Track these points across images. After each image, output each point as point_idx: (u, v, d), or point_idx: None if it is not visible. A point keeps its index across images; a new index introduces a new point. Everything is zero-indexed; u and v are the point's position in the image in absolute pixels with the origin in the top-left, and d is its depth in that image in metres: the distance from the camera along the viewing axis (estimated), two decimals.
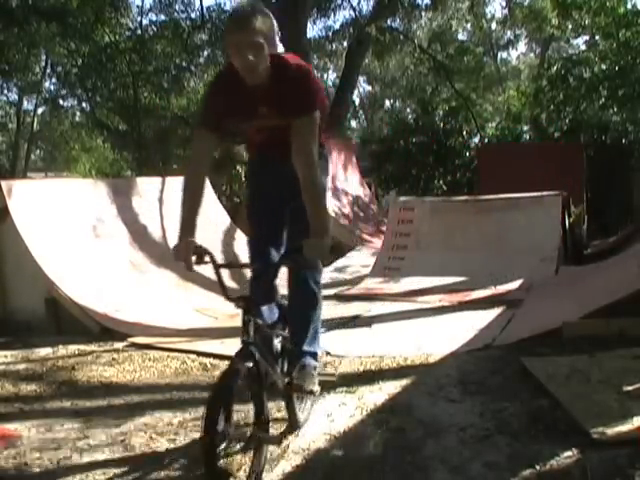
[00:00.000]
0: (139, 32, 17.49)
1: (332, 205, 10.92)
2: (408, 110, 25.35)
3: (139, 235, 6.72)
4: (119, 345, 4.99)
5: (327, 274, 7.86)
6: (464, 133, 15.59)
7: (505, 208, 7.57)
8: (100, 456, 2.91)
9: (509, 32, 25.23)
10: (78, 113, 22.00)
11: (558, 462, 2.59)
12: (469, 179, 14.34)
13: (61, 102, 20.91)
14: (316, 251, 2.47)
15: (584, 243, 8.99)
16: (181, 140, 17.00)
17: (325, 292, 6.40)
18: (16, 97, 22.19)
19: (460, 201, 8.50)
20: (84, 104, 20.15)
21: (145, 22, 18.05)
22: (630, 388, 3.22)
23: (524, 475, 2.53)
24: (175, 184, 6.74)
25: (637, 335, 4.05)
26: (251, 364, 2.39)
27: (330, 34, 19.78)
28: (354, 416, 3.24)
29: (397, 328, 5.23)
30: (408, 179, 15.13)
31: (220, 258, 6.27)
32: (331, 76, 29.98)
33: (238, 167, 14.16)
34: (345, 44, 19.86)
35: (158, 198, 7.18)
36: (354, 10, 18.38)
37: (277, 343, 2.91)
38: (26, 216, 5.67)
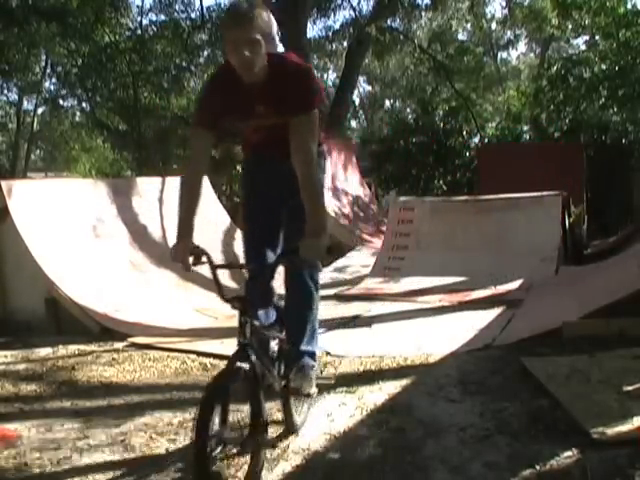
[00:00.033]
0: (139, 32, 17.50)
1: (332, 205, 10.92)
2: (408, 110, 25.37)
3: (139, 235, 6.72)
4: (119, 345, 4.99)
5: (327, 274, 7.86)
6: (464, 133, 15.60)
7: (505, 208, 7.58)
8: (100, 456, 2.91)
9: (509, 32, 25.23)
10: (78, 113, 22.03)
11: (558, 462, 2.59)
12: (469, 179, 14.35)
13: (61, 102, 20.96)
14: (312, 252, 2.45)
15: (584, 243, 8.99)
16: (181, 140, 16.99)
17: (325, 292, 6.44)
18: (16, 97, 22.24)
19: (460, 201, 8.50)
20: (84, 104, 20.19)
21: (145, 22, 18.12)
22: (630, 388, 3.23)
23: (524, 475, 2.53)
24: (175, 184, 6.75)
25: (637, 335, 4.06)
26: (247, 366, 2.37)
27: (330, 34, 19.80)
28: (354, 416, 3.24)
29: (397, 328, 5.23)
30: (408, 179, 15.13)
31: (220, 258, 6.32)
32: (331, 76, 30.02)
33: (238, 167, 14.14)
34: (345, 44, 19.87)
35: (158, 198, 7.18)
36: (354, 10, 18.41)
37: (274, 345, 2.89)
38: (26, 216, 5.67)
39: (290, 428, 2.97)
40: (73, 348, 4.95)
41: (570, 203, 8.04)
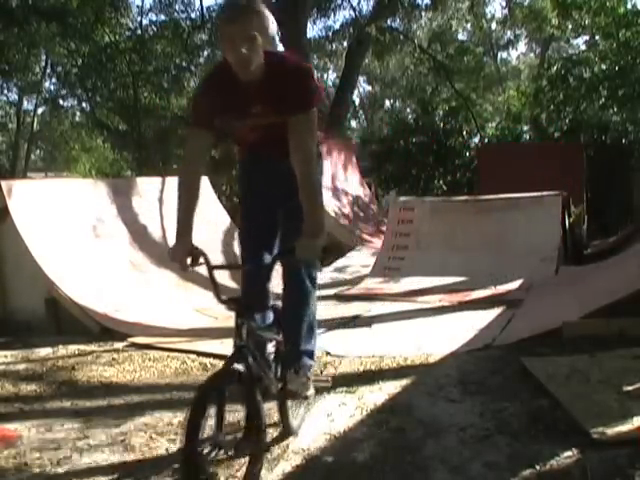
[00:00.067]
0: (139, 32, 17.50)
1: (332, 205, 10.92)
2: (408, 110, 25.37)
3: (139, 235, 6.72)
4: (119, 345, 5.00)
5: (327, 274, 7.86)
6: (464, 133, 15.60)
7: (505, 208, 7.58)
8: (100, 456, 2.91)
9: (509, 32, 25.23)
10: (78, 113, 22.03)
11: (558, 462, 2.59)
12: (469, 179, 14.35)
13: (61, 102, 20.96)
14: (309, 252, 2.44)
15: (584, 243, 8.99)
16: (181, 140, 16.96)
17: (325, 292, 6.48)
18: (16, 97, 22.24)
19: (460, 201, 8.50)
20: (84, 104, 20.19)
21: (145, 22, 18.13)
22: (630, 388, 3.23)
23: (524, 475, 2.53)
24: (175, 184, 6.72)
25: (637, 335, 4.06)
26: (244, 368, 2.36)
27: (330, 34, 19.80)
28: (354, 416, 3.24)
29: (397, 328, 5.23)
30: (408, 179, 15.13)
31: (220, 258, 6.33)
32: (331, 76, 30.03)
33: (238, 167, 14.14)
34: (345, 44, 19.87)
35: (158, 198, 7.18)
36: (354, 10, 18.42)
37: (271, 347, 2.87)
38: (26, 216, 5.67)
39: (287, 431, 2.95)
40: (73, 348, 4.95)
41: (570, 203, 8.04)
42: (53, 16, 14.80)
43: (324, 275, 7.69)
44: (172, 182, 7.14)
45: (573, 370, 3.56)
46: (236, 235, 7.60)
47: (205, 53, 18.68)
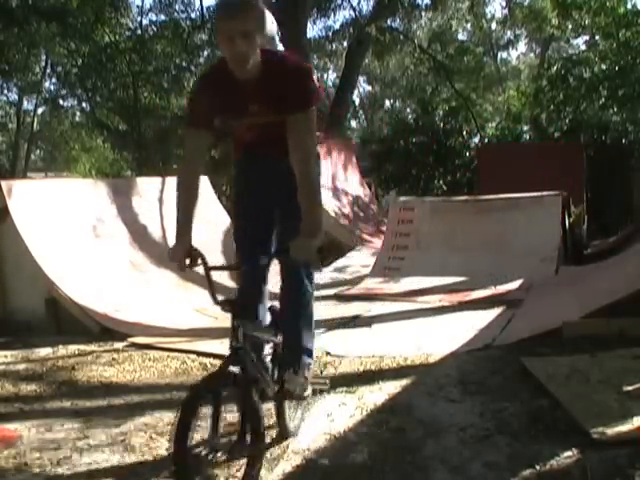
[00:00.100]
0: (139, 32, 17.50)
1: (332, 205, 10.92)
2: (408, 110, 25.36)
3: (139, 235, 6.72)
4: (119, 345, 5.00)
5: (327, 274, 7.86)
6: (464, 133, 15.59)
7: (505, 208, 7.58)
8: (100, 456, 2.91)
9: (509, 32, 25.22)
10: (78, 113, 22.03)
11: (558, 462, 2.59)
12: (469, 179, 14.34)
13: (61, 102, 20.95)
14: (303, 252, 2.42)
15: (584, 243, 8.99)
16: (181, 140, 16.93)
17: (325, 292, 6.48)
18: (16, 97, 22.23)
19: (460, 201, 8.51)
20: (84, 104, 20.19)
21: (145, 22, 18.12)
22: (630, 388, 3.23)
23: (524, 475, 2.53)
24: (175, 184, 6.73)
25: (637, 335, 4.06)
26: (239, 370, 2.34)
27: (330, 34, 19.79)
28: (354, 416, 3.24)
29: (397, 328, 5.23)
30: (408, 179, 15.13)
31: (220, 258, 6.32)
32: (331, 76, 30.03)
33: None
34: (345, 44, 19.86)
35: (158, 198, 7.18)
36: (354, 10, 18.41)
37: (268, 349, 2.86)
38: (26, 216, 5.67)
39: (284, 434, 2.93)
40: (73, 348, 4.96)
41: (570, 203, 8.04)
42: (53, 16, 14.80)
43: (324, 275, 7.69)
44: (172, 182, 7.05)
45: (573, 370, 3.56)
46: None
47: (205, 53, 18.67)
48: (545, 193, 7.59)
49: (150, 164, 16.01)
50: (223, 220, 7.96)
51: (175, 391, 3.80)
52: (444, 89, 19.62)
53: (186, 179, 2.70)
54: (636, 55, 12.76)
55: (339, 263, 8.70)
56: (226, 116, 2.68)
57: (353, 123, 31.28)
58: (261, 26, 2.47)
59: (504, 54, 29.64)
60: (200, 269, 2.50)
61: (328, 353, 4.42)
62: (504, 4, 21.24)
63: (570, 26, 15.09)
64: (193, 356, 4.56)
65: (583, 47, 16.92)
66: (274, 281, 2.91)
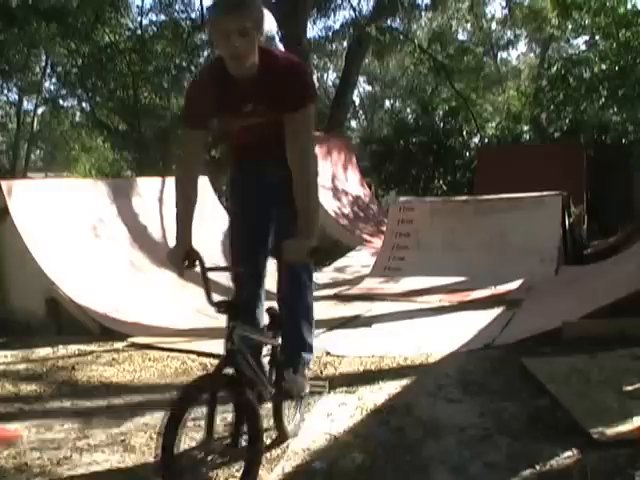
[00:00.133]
0: (139, 32, 17.49)
1: (332, 205, 10.92)
2: (408, 110, 25.31)
3: (139, 235, 6.72)
4: (119, 345, 4.99)
5: (327, 274, 7.87)
6: (464, 133, 15.60)
7: (505, 208, 7.58)
8: (100, 456, 2.91)
9: (509, 32, 25.21)
10: (78, 113, 22.00)
11: (558, 462, 2.59)
12: (469, 179, 14.34)
13: (61, 102, 20.93)
14: (295, 253, 2.40)
15: (584, 243, 8.99)
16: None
17: (325, 292, 6.48)
18: (16, 97, 22.25)
19: (460, 201, 8.51)
20: (84, 104, 20.17)
21: (145, 22, 18.12)
22: (630, 388, 3.23)
23: (524, 475, 2.53)
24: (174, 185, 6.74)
25: (637, 335, 4.05)
26: (233, 372, 2.32)
27: (330, 34, 19.78)
28: (354, 416, 3.24)
29: (397, 328, 5.23)
30: (408, 179, 15.13)
31: (220, 259, 6.31)
32: (331, 76, 30.02)
33: None
34: (345, 44, 19.86)
35: (158, 198, 7.17)
36: (354, 10, 18.39)
37: (265, 351, 2.84)
38: (26, 216, 5.67)
39: (282, 436, 2.91)
40: (73, 348, 4.95)
41: (570, 203, 8.05)
42: (53, 16, 14.80)
43: (324, 275, 7.70)
44: (172, 182, 7.10)
45: (573, 370, 3.56)
46: None
47: (205, 53, 18.67)
48: (545, 193, 7.59)
49: (150, 164, 16.00)
50: (223, 220, 7.95)
51: (175, 391, 3.79)
52: (444, 89, 19.60)
53: (184, 180, 2.68)
54: (636, 55, 12.75)
55: (339, 263, 8.70)
56: (221, 116, 2.65)
57: (353, 123, 31.26)
58: (259, 23, 2.43)
59: (504, 54, 29.60)
60: (199, 269, 2.50)
61: (328, 353, 4.42)
62: (504, 4, 21.25)
63: (570, 26, 15.06)
64: (193, 356, 4.56)
65: (583, 47, 16.89)
66: (273, 281, 2.90)
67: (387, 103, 33.29)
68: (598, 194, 11.21)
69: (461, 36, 23.27)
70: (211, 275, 2.49)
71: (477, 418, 3.11)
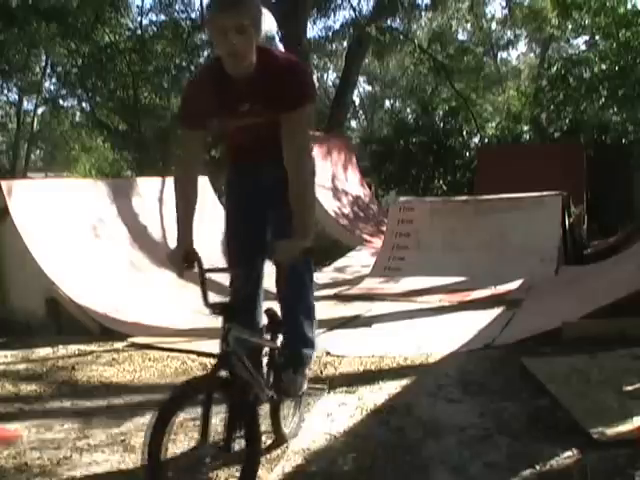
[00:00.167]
0: (139, 32, 17.49)
1: (332, 205, 10.92)
2: (408, 110, 25.32)
3: (139, 235, 6.72)
4: (119, 345, 4.99)
5: (327, 274, 7.86)
6: (464, 133, 15.59)
7: (505, 208, 7.58)
8: (100, 456, 2.91)
9: (509, 32, 25.21)
10: (78, 113, 22.00)
11: (558, 462, 2.59)
12: (469, 179, 14.34)
13: (61, 102, 20.92)
14: (287, 253, 2.39)
15: (584, 243, 8.99)
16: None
17: (325, 292, 6.48)
18: (16, 97, 22.23)
19: (460, 201, 8.51)
20: (84, 104, 20.16)
21: (145, 22, 18.11)
22: (630, 388, 3.23)
23: (524, 475, 2.53)
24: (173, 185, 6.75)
25: (637, 335, 4.05)
26: (228, 374, 2.30)
27: (330, 34, 19.77)
28: (354, 416, 3.24)
29: (397, 328, 5.23)
30: (408, 179, 15.13)
31: (220, 259, 6.31)
32: (331, 76, 30.03)
33: None
34: (345, 44, 19.86)
35: (158, 198, 7.18)
36: (354, 10, 18.39)
37: (263, 353, 2.82)
38: (26, 216, 5.67)
39: (279, 439, 2.88)
40: (73, 348, 4.95)
41: (570, 203, 8.05)
42: (53, 16, 14.80)
43: (324, 275, 7.70)
44: (172, 182, 7.12)
45: (573, 370, 3.56)
46: None
47: (205, 53, 18.67)
48: (545, 193, 7.59)
49: (150, 164, 15.99)
50: (223, 220, 7.96)
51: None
52: (444, 89, 19.60)
53: (183, 181, 2.67)
54: (636, 55, 12.75)
55: (339, 263, 8.70)
56: (217, 117, 2.62)
57: (353, 123, 31.28)
58: (257, 21, 2.42)
59: (504, 54, 29.62)
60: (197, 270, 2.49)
61: (328, 353, 4.42)
62: (504, 4, 21.25)
63: (570, 26, 15.06)
64: (193, 356, 4.56)
65: (583, 47, 16.89)
66: (272, 281, 2.90)
67: (387, 103, 33.31)
68: (598, 194, 11.20)
69: (461, 36, 23.31)
70: (213, 276, 2.49)
71: (477, 418, 3.11)
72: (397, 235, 7.93)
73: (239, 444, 2.30)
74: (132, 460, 2.84)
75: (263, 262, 2.68)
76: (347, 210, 11.51)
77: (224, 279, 2.81)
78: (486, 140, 15.68)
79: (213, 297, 2.49)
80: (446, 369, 3.96)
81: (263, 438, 2.78)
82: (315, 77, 25.85)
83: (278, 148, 2.52)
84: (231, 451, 2.32)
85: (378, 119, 30.99)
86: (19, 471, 2.77)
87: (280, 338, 2.89)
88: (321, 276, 7.43)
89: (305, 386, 2.83)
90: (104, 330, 5.30)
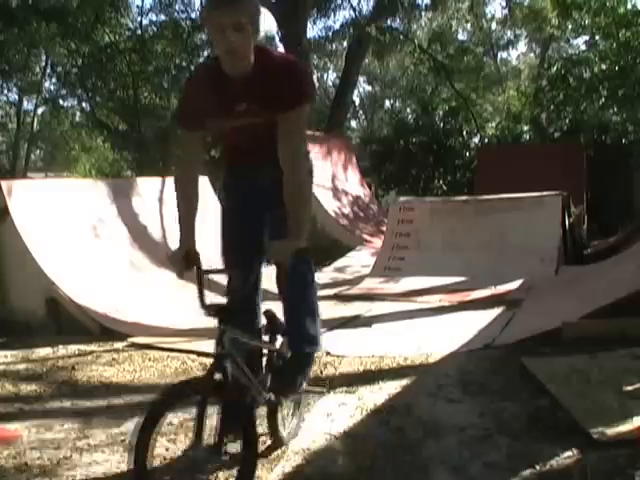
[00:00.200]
0: (139, 32, 17.49)
1: (332, 205, 10.93)
2: (408, 110, 25.33)
3: (139, 235, 6.72)
4: (119, 345, 5.00)
5: (327, 274, 7.86)
6: (464, 133, 15.60)
7: (505, 208, 7.58)
8: (100, 456, 2.91)
9: (509, 32, 25.22)
10: (78, 113, 22.00)
11: (558, 462, 2.59)
12: (469, 179, 14.34)
13: (61, 102, 20.92)
14: (280, 254, 2.38)
15: (584, 243, 8.99)
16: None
17: (325, 292, 6.47)
18: (16, 97, 22.24)
19: (460, 201, 8.51)
20: (84, 104, 20.16)
21: (145, 22, 18.10)
22: (630, 388, 3.23)
23: (524, 475, 2.53)
24: (173, 186, 6.75)
25: (637, 335, 4.05)
26: (221, 377, 2.28)
27: (330, 34, 19.77)
28: (354, 416, 3.24)
29: (397, 328, 5.23)
30: (408, 179, 15.14)
31: (220, 260, 6.32)
32: (331, 76, 30.05)
33: None
34: (345, 44, 19.86)
35: (158, 198, 7.18)
36: (354, 10, 18.39)
37: (261, 355, 2.81)
38: (26, 216, 5.67)
39: (277, 442, 2.85)
40: (73, 348, 4.95)
41: (570, 203, 8.05)
42: (53, 16, 14.80)
43: (324, 275, 7.69)
44: (172, 182, 7.12)
45: (573, 370, 3.56)
46: None
47: (205, 53, 18.66)
48: (545, 193, 7.59)
49: (150, 164, 15.99)
50: (219, 222, 7.95)
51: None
52: (444, 89, 19.60)
53: (183, 181, 2.66)
54: (636, 55, 12.75)
55: (339, 263, 8.70)
56: (215, 116, 2.59)
57: (353, 123, 31.29)
58: (254, 19, 2.40)
59: (504, 54, 29.63)
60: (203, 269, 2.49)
61: (328, 353, 4.42)
62: (504, 4, 21.27)
63: (570, 26, 15.07)
64: (193, 356, 4.56)
65: (583, 47, 16.90)
66: (271, 281, 2.89)
67: (387, 103, 33.32)
68: (598, 194, 11.20)
69: (461, 36, 23.32)
70: (217, 278, 2.48)
71: (477, 418, 3.12)
72: (397, 235, 7.93)
73: (233, 447, 2.29)
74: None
75: (260, 263, 2.67)
76: (347, 210, 11.52)
77: (223, 279, 2.80)
78: (486, 140, 15.68)
79: (216, 299, 2.48)
80: (446, 369, 3.96)
81: (263, 438, 2.80)
82: (315, 77, 25.87)
83: (275, 149, 2.50)
84: (222, 453, 2.31)
85: (378, 119, 31.00)
86: (19, 471, 2.77)
87: (279, 340, 2.87)
88: (321, 276, 7.42)
89: (305, 387, 2.81)
90: (104, 330, 5.30)
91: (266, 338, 2.87)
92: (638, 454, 2.56)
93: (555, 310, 5.00)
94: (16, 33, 15.11)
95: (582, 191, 10.27)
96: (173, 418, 3.30)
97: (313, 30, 29.75)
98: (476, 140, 16.03)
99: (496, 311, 5.46)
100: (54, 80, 20.07)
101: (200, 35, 17.66)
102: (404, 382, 3.74)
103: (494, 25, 24.94)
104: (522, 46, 29.77)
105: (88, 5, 15.64)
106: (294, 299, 2.77)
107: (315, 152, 10.58)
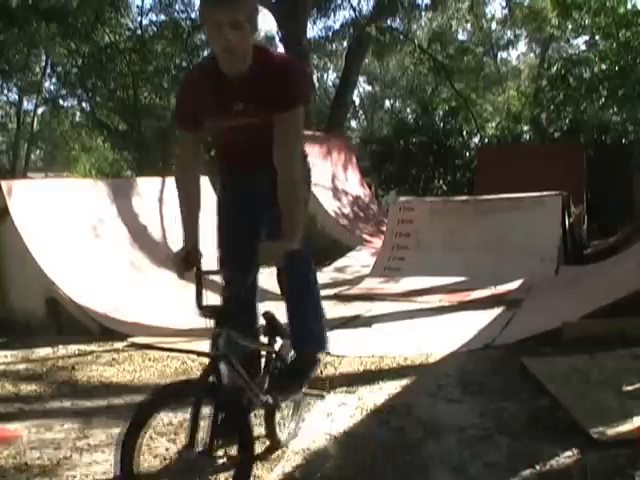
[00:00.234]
0: (139, 32, 17.49)
1: (332, 205, 10.93)
2: (408, 110, 25.33)
3: (139, 235, 6.72)
4: (119, 345, 4.99)
5: (327, 274, 7.86)
6: (464, 133, 15.60)
7: (505, 208, 7.58)
8: (100, 456, 2.91)
9: (509, 32, 25.22)
10: (78, 113, 21.99)
11: (558, 462, 2.59)
12: (469, 179, 14.34)
13: (61, 102, 20.91)
14: (269, 255, 2.37)
15: (584, 243, 8.99)
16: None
17: (325, 292, 6.42)
18: (16, 97, 22.23)
19: (460, 201, 8.51)
20: (84, 104, 20.16)
21: (145, 22, 18.09)
22: (630, 388, 3.23)
23: (524, 475, 2.53)
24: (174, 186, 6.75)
25: (637, 335, 4.05)
26: (215, 379, 2.26)
27: (330, 34, 19.77)
28: (354, 416, 3.24)
29: (397, 328, 5.23)
30: (408, 179, 15.14)
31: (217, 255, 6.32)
32: (331, 76, 30.05)
33: None
34: (345, 44, 19.86)
35: (158, 198, 7.18)
36: (354, 10, 18.39)
37: (258, 357, 2.80)
38: (26, 216, 5.67)
39: (275, 445, 2.83)
40: (73, 348, 4.95)
41: (570, 203, 8.05)
42: (53, 16, 14.80)
43: (324, 275, 7.69)
44: (172, 182, 7.12)
45: (573, 370, 3.56)
46: None
47: (205, 53, 18.66)
48: (545, 193, 7.59)
49: (150, 164, 15.99)
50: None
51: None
52: (444, 89, 19.60)
53: (184, 181, 2.65)
54: (636, 55, 12.75)
55: (339, 263, 8.70)
56: (212, 115, 2.57)
57: (353, 123, 31.29)
58: (252, 18, 2.37)
59: (504, 54, 29.63)
60: (203, 270, 2.48)
61: (328, 353, 4.40)
62: (504, 4, 21.26)
63: (570, 26, 15.06)
64: (193, 356, 4.55)
65: (583, 47, 16.89)
66: (270, 280, 2.90)
67: (387, 103, 33.32)
68: (598, 194, 11.21)
69: (461, 36, 23.32)
70: (217, 278, 2.47)
71: (477, 418, 3.12)
72: (397, 235, 7.93)
73: (226, 449, 2.28)
74: None
75: (258, 265, 2.66)
76: (347, 210, 11.52)
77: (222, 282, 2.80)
78: (486, 140, 15.68)
79: (216, 299, 2.48)
80: (446, 369, 3.96)
81: (263, 439, 2.81)
82: (315, 77, 25.88)
83: (271, 150, 2.48)
84: (214, 456, 2.30)
85: (378, 119, 31.00)
86: (19, 471, 2.77)
87: (278, 341, 2.86)
88: (321, 276, 7.35)
89: (304, 389, 2.81)
90: (104, 330, 5.30)
91: (265, 340, 2.85)
92: (638, 454, 2.56)
93: (555, 310, 5.00)
94: (16, 33, 15.11)
95: (582, 191, 10.27)
96: (173, 418, 3.31)
97: (313, 30, 29.74)
98: (476, 140, 16.04)
99: (496, 311, 5.46)
100: (54, 80, 20.09)
101: (200, 35, 17.66)
102: (404, 382, 3.74)
103: (494, 25, 24.96)
104: (522, 46, 29.79)
105: (88, 5, 15.64)
106: (296, 299, 2.76)
107: (315, 152, 10.58)
